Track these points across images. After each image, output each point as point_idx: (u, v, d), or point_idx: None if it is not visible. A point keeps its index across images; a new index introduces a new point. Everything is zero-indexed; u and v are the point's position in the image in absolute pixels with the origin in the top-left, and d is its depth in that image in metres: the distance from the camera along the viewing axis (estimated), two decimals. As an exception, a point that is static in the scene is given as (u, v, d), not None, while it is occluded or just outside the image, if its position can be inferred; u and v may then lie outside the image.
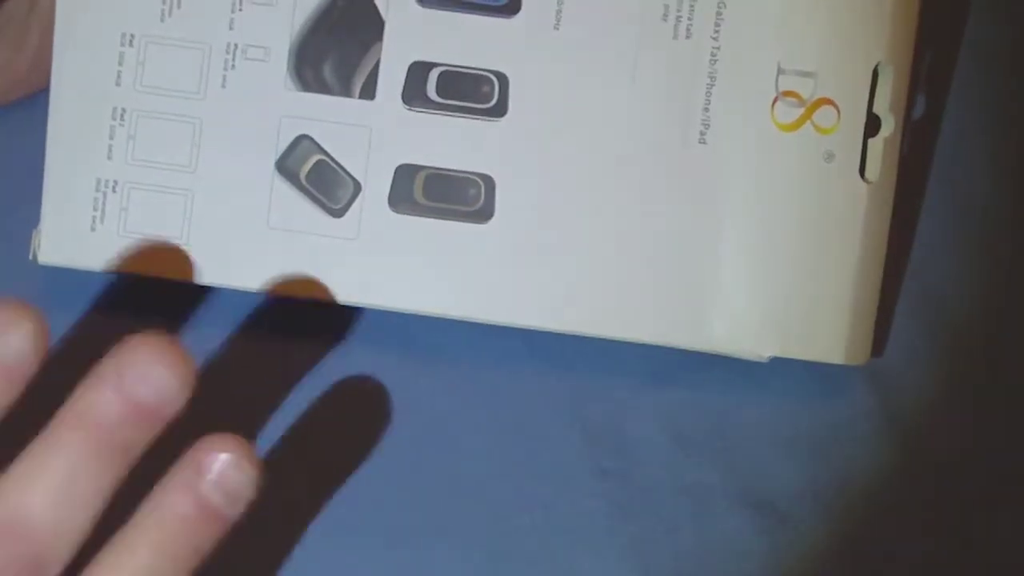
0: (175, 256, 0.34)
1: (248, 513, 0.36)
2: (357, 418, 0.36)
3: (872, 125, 0.35)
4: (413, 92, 0.34)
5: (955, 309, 0.37)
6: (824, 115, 0.34)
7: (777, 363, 0.35)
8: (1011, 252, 0.38)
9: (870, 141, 0.35)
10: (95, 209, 0.34)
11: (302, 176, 0.34)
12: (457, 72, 0.34)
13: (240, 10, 0.34)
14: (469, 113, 0.34)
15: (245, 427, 0.36)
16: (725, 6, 0.34)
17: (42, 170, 0.34)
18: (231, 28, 0.34)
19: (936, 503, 0.37)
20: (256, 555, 0.36)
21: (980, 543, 0.37)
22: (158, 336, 0.26)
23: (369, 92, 0.34)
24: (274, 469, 0.36)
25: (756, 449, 0.37)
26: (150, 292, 0.36)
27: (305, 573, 0.36)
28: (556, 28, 0.34)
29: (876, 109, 0.35)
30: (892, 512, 0.37)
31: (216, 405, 0.36)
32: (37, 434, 0.26)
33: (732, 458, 0.37)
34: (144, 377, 0.25)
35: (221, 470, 0.26)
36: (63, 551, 0.25)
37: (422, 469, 0.36)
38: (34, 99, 0.35)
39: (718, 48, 0.34)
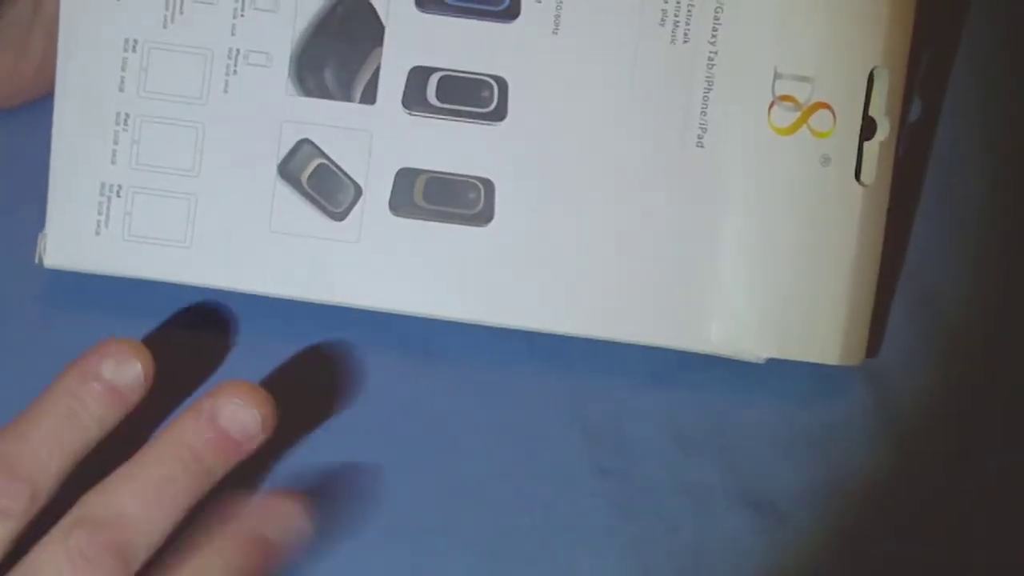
0: (179, 259, 0.34)
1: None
2: (357, 418, 0.37)
3: (868, 128, 0.35)
4: (413, 96, 0.35)
5: (951, 310, 0.38)
6: (820, 119, 0.35)
7: (776, 363, 0.35)
8: (1006, 254, 0.38)
9: (866, 144, 0.35)
10: (99, 213, 0.34)
11: (303, 180, 0.34)
12: (457, 76, 0.35)
13: (242, 16, 0.34)
14: (469, 117, 0.35)
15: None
16: (722, 11, 0.35)
17: (47, 174, 0.34)
18: (233, 34, 0.34)
19: (934, 503, 0.37)
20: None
21: (979, 543, 0.37)
22: (250, 384, 0.32)
23: (370, 97, 0.35)
24: (274, 469, 0.36)
25: (756, 449, 0.37)
26: (154, 295, 0.36)
27: (305, 573, 0.36)
28: (555, 33, 0.35)
29: (872, 112, 0.35)
30: (890, 512, 0.37)
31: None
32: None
33: (732, 458, 0.37)
34: (234, 415, 0.31)
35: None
36: (146, 545, 0.30)
37: (422, 469, 0.36)
38: (39, 103, 0.36)
39: (715, 53, 0.35)
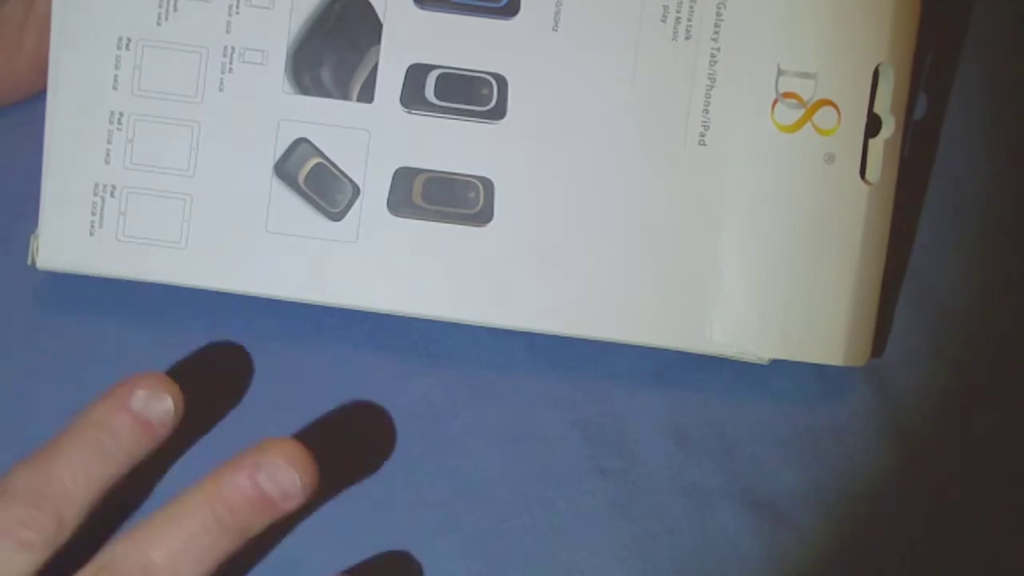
0: (174, 260, 0.34)
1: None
2: (357, 419, 0.36)
3: (873, 126, 0.35)
4: (411, 94, 0.34)
5: (955, 310, 0.37)
6: (825, 116, 0.34)
7: (778, 363, 0.35)
8: (1013, 254, 0.38)
9: (871, 142, 0.35)
10: (93, 214, 0.34)
11: (300, 179, 0.34)
12: (456, 74, 0.34)
13: (237, 13, 0.34)
14: (468, 115, 0.34)
15: (245, 429, 0.36)
16: (725, 7, 0.34)
17: (41, 173, 0.34)
18: (228, 31, 0.34)
19: (936, 504, 0.37)
20: (255, 554, 0.36)
21: (981, 543, 0.37)
22: (295, 442, 0.31)
23: (367, 95, 0.34)
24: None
25: (756, 449, 0.37)
26: (149, 296, 0.36)
27: (305, 573, 0.36)
28: (555, 29, 0.34)
29: (877, 110, 0.35)
30: (892, 512, 0.37)
31: (217, 408, 0.36)
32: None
33: (732, 458, 0.37)
34: (275, 473, 0.30)
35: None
36: None
37: (422, 469, 0.36)
38: (33, 101, 0.35)
39: (718, 49, 0.34)
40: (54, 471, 0.30)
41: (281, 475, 0.30)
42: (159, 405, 0.31)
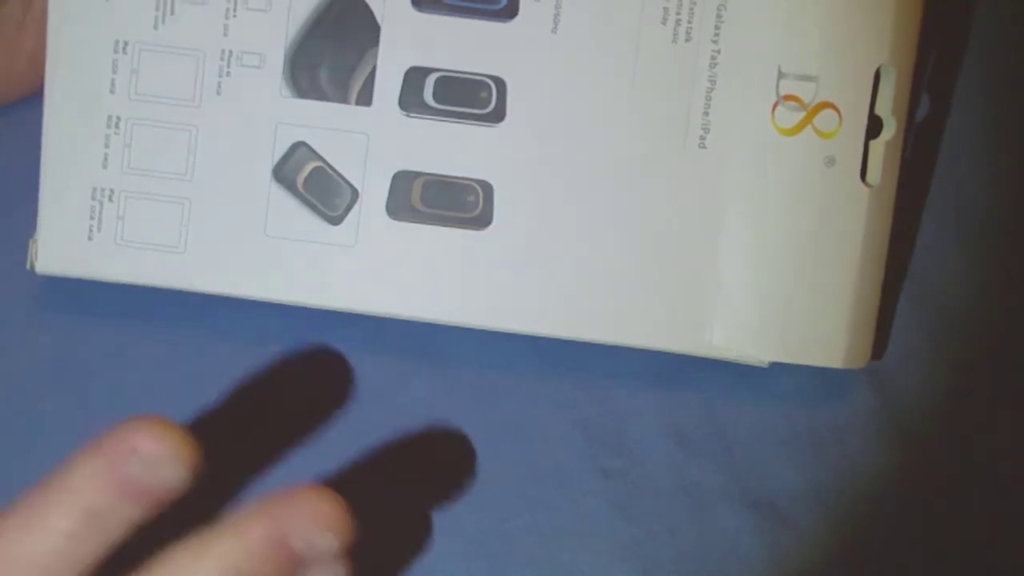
0: (172, 265, 0.34)
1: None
2: (357, 420, 0.36)
3: (874, 128, 0.34)
4: (410, 98, 0.34)
5: (956, 311, 0.37)
6: (825, 119, 0.34)
7: (778, 364, 0.35)
8: (1014, 255, 0.37)
9: (872, 144, 0.34)
10: (91, 218, 0.34)
11: (299, 183, 0.34)
12: (454, 77, 0.34)
13: (234, 16, 0.34)
14: (467, 118, 0.34)
15: (246, 432, 0.36)
16: (725, 9, 0.34)
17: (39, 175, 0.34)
18: (225, 35, 0.34)
19: (937, 504, 0.37)
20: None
21: (981, 543, 0.37)
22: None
23: (366, 98, 0.34)
24: (274, 470, 0.36)
25: (757, 450, 0.37)
26: (148, 301, 0.36)
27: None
28: (554, 32, 0.34)
29: (878, 111, 0.34)
30: (892, 513, 0.37)
31: (217, 412, 0.36)
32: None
33: (732, 459, 0.37)
34: (310, 537, 0.25)
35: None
36: None
37: (423, 469, 0.36)
38: (33, 101, 0.35)
39: (718, 51, 0.34)
40: (29, 553, 0.24)
41: (317, 540, 0.25)
42: (165, 471, 0.24)
